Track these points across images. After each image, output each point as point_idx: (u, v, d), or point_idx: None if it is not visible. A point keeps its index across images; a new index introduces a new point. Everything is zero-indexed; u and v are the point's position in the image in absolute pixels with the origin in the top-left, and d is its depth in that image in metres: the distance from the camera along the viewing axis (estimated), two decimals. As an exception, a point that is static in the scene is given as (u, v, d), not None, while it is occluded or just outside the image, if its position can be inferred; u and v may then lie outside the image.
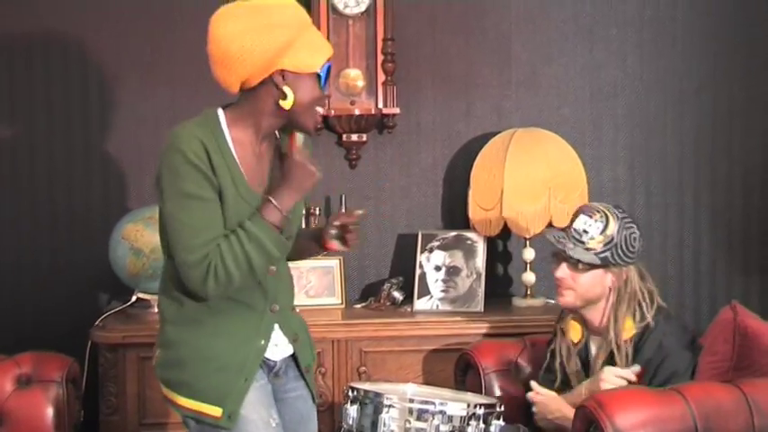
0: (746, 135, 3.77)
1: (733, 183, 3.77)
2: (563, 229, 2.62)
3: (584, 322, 2.65)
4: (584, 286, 2.57)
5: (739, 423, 2.26)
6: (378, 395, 2.24)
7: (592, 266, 2.54)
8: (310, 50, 2.07)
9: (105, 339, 3.22)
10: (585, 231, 2.55)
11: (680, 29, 3.75)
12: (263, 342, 2.18)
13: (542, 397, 2.61)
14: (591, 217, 2.55)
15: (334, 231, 2.27)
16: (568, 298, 2.60)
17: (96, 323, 3.29)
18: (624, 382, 2.46)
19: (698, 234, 3.78)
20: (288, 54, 2.04)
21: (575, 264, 2.56)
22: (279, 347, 2.24)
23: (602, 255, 2.54)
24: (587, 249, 2.54)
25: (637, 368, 2.49)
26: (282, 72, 2.06)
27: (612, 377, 2.47)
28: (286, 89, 2.06)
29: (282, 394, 2.27)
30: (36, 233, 3.62)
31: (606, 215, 2.55)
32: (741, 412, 2.27)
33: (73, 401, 2.91)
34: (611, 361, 2.54)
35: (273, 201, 2.07)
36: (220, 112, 2.13)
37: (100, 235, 3.52)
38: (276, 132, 2.20)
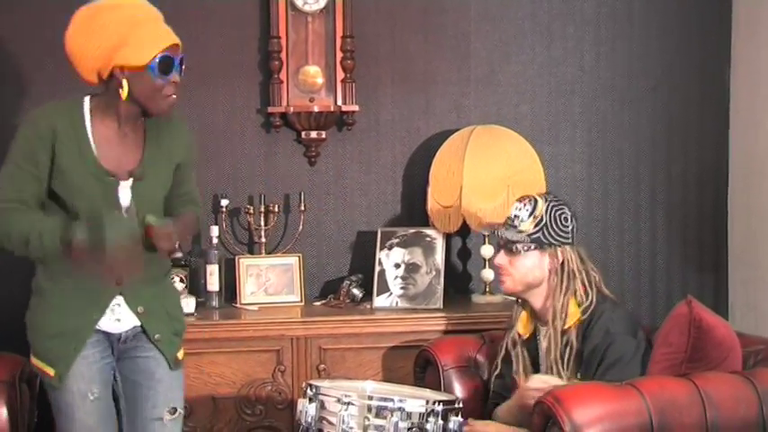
0: (701, 133, 3.82)
1: (688, 180, 3.83)
2: (507, 223, 2.71)
3: (533, 313, 2.69)
4: (522, 270, 2.65)
5: (693, 416, 2.30)
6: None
7: (527, 249, 2.62)
8: (140, 46, 2.31)
9: (60, 339, 3.17)
10: (516, 216, 2.67)
11: (636, 27, 3.79)
12: (95, 316, 2.39)
13: (478, 428, 2.61)
14: (521, 201, 2.68)
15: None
16: (508, 284, 2.68)
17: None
18: (550, 385, 2.45)
19: (654, 230, 3.82)
20: (120, 51, 2.30)
21: (510, 248, 2.65)
22: (122, 322, 2.43)
23: (534, 235, 2.63)
24: (519, 232, 2.64)
25: (565, 375, 2.55)
26: (121, 67, 2.31)
27: (539, 383, 2.51)
28: (123, 81, 2.32)
29: (132, 353, 2.47)
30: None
31: (535, 199, 2.67)
32: (695, 405, 2.31)
33: (27, 402, 2.87)
34: (562, 354, 2.57)
35: (76, 233, 2.26)
36: (86, 99, 2.41)
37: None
38: (142, 119, 2.42)
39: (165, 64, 2.33)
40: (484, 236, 3.50)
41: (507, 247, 2.66)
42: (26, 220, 2.31)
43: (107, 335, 2.43)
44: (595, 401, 2.29)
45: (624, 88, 3.80)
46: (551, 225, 2.63)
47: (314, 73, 3.60)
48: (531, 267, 2.64)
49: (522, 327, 2.71)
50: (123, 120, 2.39)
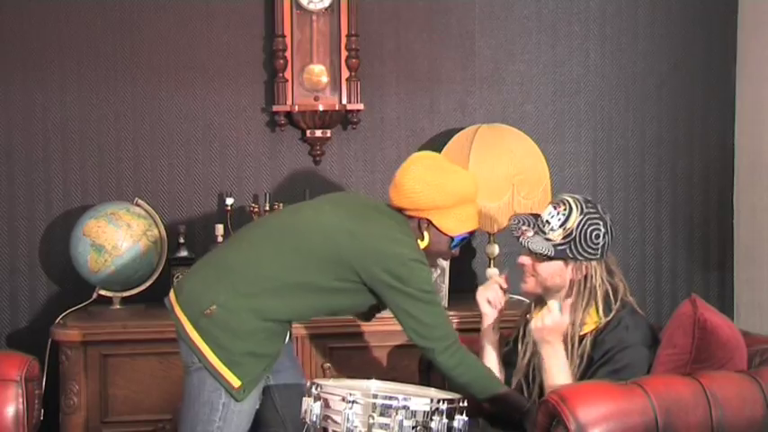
0: (707, 131, 3.82)
1: (693, 179, 3.82)
2: (534, 215, 2.61)
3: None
4: (543, 275, 2.55)
5: (698, 415, 2.29)
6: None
7: (551, 259, 2.53)
8: (457, 221, 2.57)
9: (66, 337, 3.18)
10: (548, 222, 2.52)
11: (642, 25, 3.79)
12: (281, 350, 2.57)
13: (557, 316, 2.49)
14: (556, 208, 2.53)
15: None
16: (530, 284, 2.59)
17: (57, 321, 3.25)
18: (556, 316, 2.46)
19: (659, 229, 3.82)
20: (440, 214, 2.55)
21: (533, 252, 2.55)
22: None
23: (560, 248, 2.50)
24: (547, 240, 2.51)
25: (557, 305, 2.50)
26: (429, 221, 2.56)
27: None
28: (425, 233, 2.57)
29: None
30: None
31: (570, 207, 2.51)
32: (700, 405, 2.30)
33: (32, 401, 2.87)
34: (574, 361, 2.55)
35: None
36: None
37: (61, 231, 3.49)
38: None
39: (462, 242, 2.61)
40: (489, 234, 3.50)
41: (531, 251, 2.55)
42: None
43: None
44: (600, 400, 2.28)
45: (629, 87, 3.79)
46: (580, 241, 2.49)
47: (319, 72, 3.60)
48: (552, 274, 2.54)
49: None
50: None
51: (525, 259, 2.58)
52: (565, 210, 2.52)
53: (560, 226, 2.51)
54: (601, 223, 2.52)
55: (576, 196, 2.57)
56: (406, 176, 2.54)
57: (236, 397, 2.46)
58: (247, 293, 2.46)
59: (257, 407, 2.57)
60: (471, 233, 2.64)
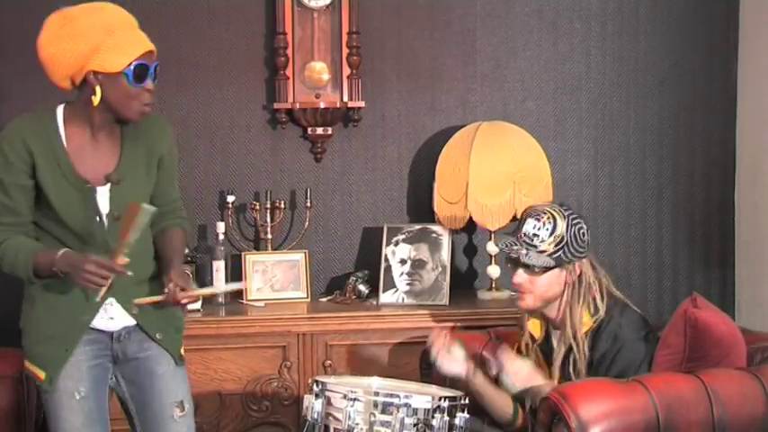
0: (708, 128, 3.81)
1: (695, 176, 3.82)
2: (514, 234, 2.61)
3: (545, 318, 2.67)
4: (542, 288, 2.57)
5: (699, 412, 2.29)
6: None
7: (548, 269, 2.55)
8: (114, 53, 2.28)
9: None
10: (536, 235, 2.55)
11: (643, 22, 3.78)
12: (86, 317, 2.38)
13: (517, 365, 2.59)
14: (539, 220, 2.55)
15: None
16: (528, 301, 2.60)
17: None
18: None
19: (660, 227, 3.82)
20: (94, 57, 2.27)
21: (531, 268, 2.56)
22: (115, 320, 2.42)
23: (556, 255, 2.54)
24: (540, 252, 2.54)
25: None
26: (94, 73, 2.29)
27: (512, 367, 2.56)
28: (97, 88, 2.29)
29: (130, 354, 2.45)
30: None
31: (553, 216, 2.55)
32: (701, 402, 2.30)
33: (32, 398, 2.87)
34: (569, 355, 2.56)
35: (57, 257, 2.28)
36: (60, 106, 2.39)
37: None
38: (116, 123, 2.39)
39: (141, 71, 2.30)
40: (490, 232, 3.50)
41: (529, 267, 2.56)
42: (11, 248, 2.34)
43: (101, 333, 2.41)
44: (602, 398, 2.29)
45: (631, 84, 3.79)
46: (572, 243, 2.54)
47: (320, 69, 3.60)
48: (550, 284, 2.56)
49: (535, 330, 2.69)
50: (97, 126, 2.37)
51: (521, 277, 2.58)
52: (549, 219, 2.55)
53: (551, 235, 2.54)
54: (581, 221, 2.59)
55: (548, 204, 2.64)
56: (38, 50, 2.30)
57: (44, 388, 2.43)
58: None
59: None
60: (146, 61, 2.32)
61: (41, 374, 2.38)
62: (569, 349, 2.56)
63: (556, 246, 2.54)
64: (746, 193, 3.74)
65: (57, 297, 2.37)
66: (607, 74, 3.78)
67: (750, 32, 3.72)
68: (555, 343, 2.64)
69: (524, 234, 2.57)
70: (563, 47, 3.77)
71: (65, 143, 2.35)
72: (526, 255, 2.55)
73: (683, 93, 3.80)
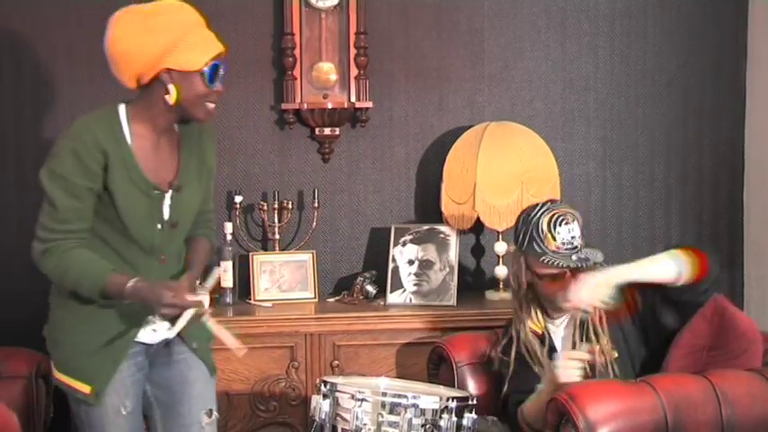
0: (717, 129, 3.80)
1: (703, 176, 3.81)
2: (557, 251, 2.56)
3: (542, 309, 2.67)
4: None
5: (708, 413, 2.29)
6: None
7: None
8: (193, 51, 2.23)
9: (76, 335, 3.19)
10: (573, 236, 2.58)
11: (651, 22, 3.78)
12: (132, 331, 2.33)
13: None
14: (572, 221, 2.59)
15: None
16: (574, 299, 2.48)
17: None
18: (580, 364, 2.43)
19: (669, 227, 3.81)
20: (172, 54, 2.22)
21: (597, 265, 2.55)
22: (157, 332, 2.39)
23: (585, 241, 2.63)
24: (586, 246, 2.61)
25: (585, 347, 2.50)
26: (169, 71, 2.23)
27: (566, 362, 2.45)
28: (170, 86, 2.23)
29: (162, 358, 2.42)
30: (3, 228, 3.57)
31: (573, 214, 2.60)
32: (710, 403, 2.30)
33: (42, 398, 2.89)
34: (595, 330, 2.57)
35: (127, 289, 2.21)
36: (122, 107, 2.30)
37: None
38: (175, 126, 2.36)
39: (216, 71, 2.28)
40: (497, 233, 3.49)
41: (585, 266, 2.55)
42: (76, 263, 2.25)
43: (142, 345, 2.38)
44: (610, 398, 2.28)
45: (639, 84, 3.78)
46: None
47: (327, 69, 3.60)
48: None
49: (534, 325, 2.70)
50: (161, 129, 2.31)
51: (570, 281, 2.52)
52: (573, 218, 2.60)
53: (581, 230, 2.61)
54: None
55: (558, 204, 2.67)
56: (109, 45, 2.25)
57: (87, 401, 2.36)
58: None
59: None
60: (220, 61, 2.30)
61: (86, 388, 2.30)
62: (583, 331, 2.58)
63: (582, 236, 2.61)
64: (755, 194, 3.73)
65: (98, 309, 2.29)
66: (615, 74, 3.78)
67: (759, 32, 3.71)
68: (557, 330, 2.65)
69: (571, 241, 2.57)
70: (571, 47, 3.76)
71: (133, 146, 2.27)
72: (594, 255, 2.59)
73: (692, 93, 3.79)
